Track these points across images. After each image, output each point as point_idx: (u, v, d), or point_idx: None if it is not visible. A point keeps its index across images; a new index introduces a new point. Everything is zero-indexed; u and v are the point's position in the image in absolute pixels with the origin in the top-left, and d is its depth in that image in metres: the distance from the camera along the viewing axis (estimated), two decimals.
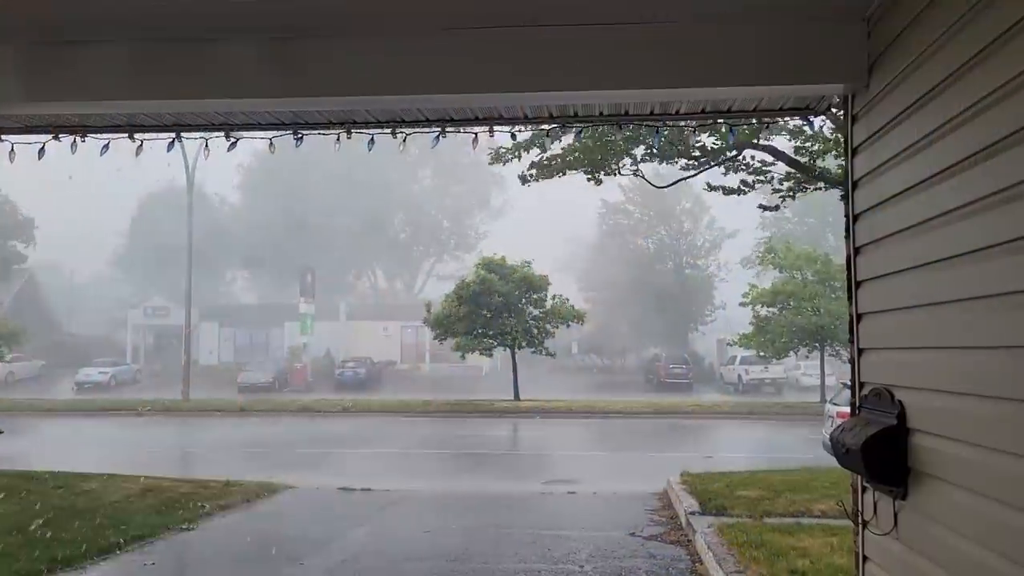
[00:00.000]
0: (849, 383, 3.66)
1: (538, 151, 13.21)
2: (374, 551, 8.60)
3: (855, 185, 3.47)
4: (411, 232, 63.50)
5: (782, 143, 11.63)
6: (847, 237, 3.55)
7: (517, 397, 32.55)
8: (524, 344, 33.60)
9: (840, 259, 31.78)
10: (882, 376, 3.16)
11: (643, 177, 13.41)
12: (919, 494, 2.83)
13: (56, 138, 4.34)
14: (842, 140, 4.18)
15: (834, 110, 4.12)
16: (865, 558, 3.34)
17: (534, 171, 13.65)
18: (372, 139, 4.38)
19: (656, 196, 55.78)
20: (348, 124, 4.28)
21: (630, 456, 18.80)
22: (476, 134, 4.40)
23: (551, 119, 4.25)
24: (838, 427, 3.31)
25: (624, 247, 57.59)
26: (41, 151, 4.37)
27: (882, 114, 3.17)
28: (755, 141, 10.94)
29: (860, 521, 3.35)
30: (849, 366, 3.63)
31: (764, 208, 12.95)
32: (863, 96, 3.39)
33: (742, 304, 32.34)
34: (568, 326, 35.28)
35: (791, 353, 32.42)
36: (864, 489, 3.31)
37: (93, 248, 59.11)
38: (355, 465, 16.58)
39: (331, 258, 61.40)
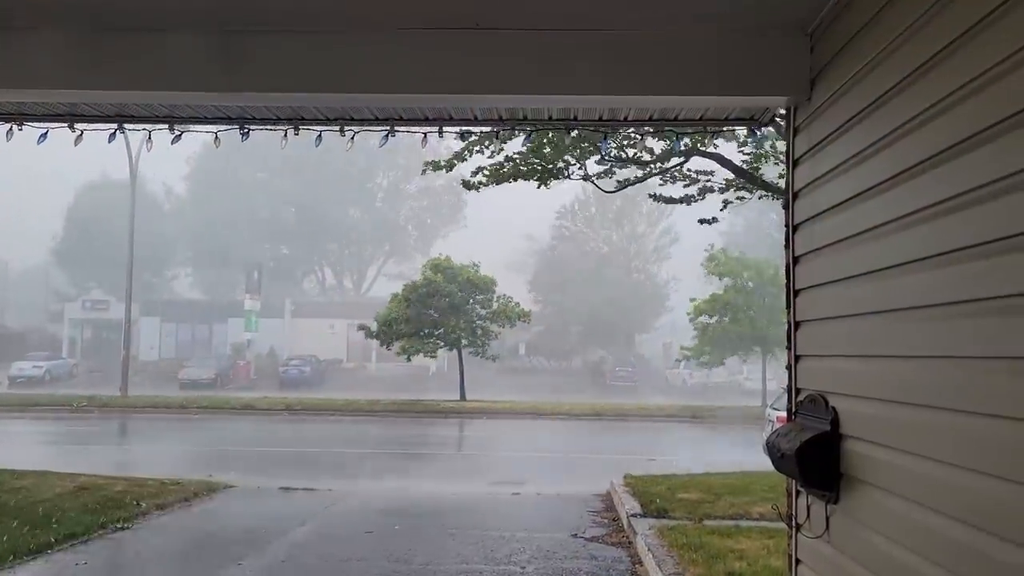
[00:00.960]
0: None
1: (485, 155, 13.17)
2: (315, 551, 8.51)
3: (795, 196, 3.55)
4: (362, 230, 62.95)
5: (729, 150, 11.85)
6: (787, 246, 3.63)
7: (463, 397, 32.52)
8: (469, 345, 33.59)
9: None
10: (817, 383, 3.24)
11: (593, 182, 13.50)
12: (850, 499, 2.92)
13: None
14: (783, 150, 4.28)
15: (778, 120, 4.21)
16: (798, 561, 3.42)
17: (482, 177, 13.59)
18: (320, 136, 4.34)
19: (611, 199, 56.37)
20: (296, 121, 4.24)
21: (575, 458, 18.92)
22: (425, 134, 4.39)
23: (500, 121, 4.26)
24: (774, 432, 3.38)
25: (576, 250, 58.01)
26: None
27: (823, 126, 3.26)
28: (702, 147, 11.12)
29: (794, 524, 3.43)
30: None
31: (703, 221, 13.18)
32: (805, 108, 3.48)
33: (689, 316, 32.92)
34: (514, 325, 35.33)
35: (727, 360, 33.22)
36: (798, 493, 3.39)
37: (29, 239, 57.37)
38: (297, 464, 16.39)
39: (279, 254, 60.65)
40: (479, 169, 13.40)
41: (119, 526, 9.31)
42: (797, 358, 3.52)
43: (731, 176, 12.38)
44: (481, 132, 12.55)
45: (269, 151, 55.31)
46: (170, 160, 54.86)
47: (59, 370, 42.63)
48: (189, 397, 33.15)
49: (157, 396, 32.51)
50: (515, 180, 13.01)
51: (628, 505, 10.07)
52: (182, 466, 13.79)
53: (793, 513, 3.45)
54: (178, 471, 12.91)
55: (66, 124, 4.24)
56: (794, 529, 3.45)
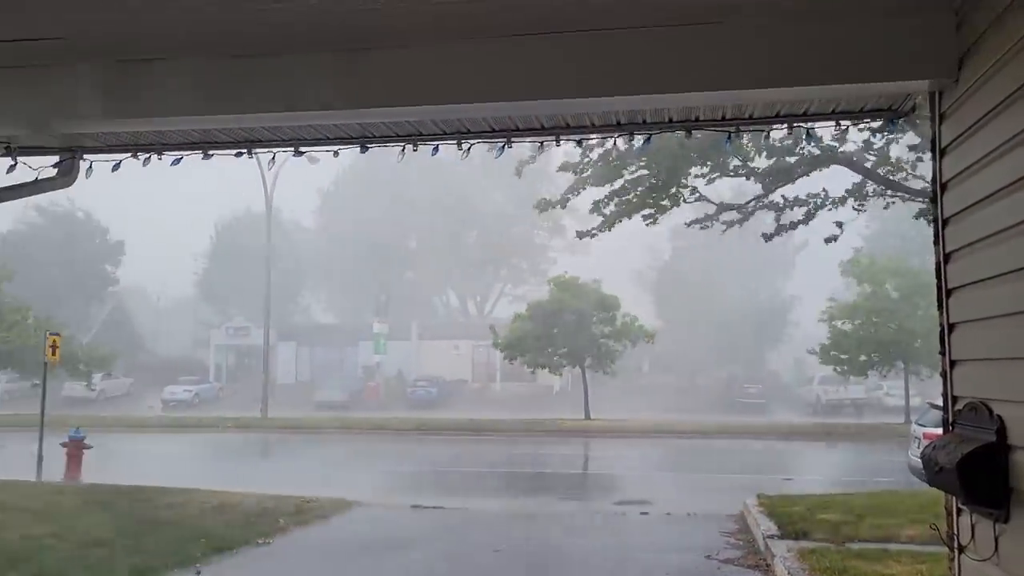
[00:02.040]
0: (939, 402, 3.44)
1: (603, 191, 13.02)
2: (446, 569, 8.55)
3: (944, 188, 3.27)
4: (484, 253, 63.80)
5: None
6: (936, 243, 3.35)
7: (588, 416, 32.28)
8: (595, 363, 33.41)
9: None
10: (978, 389, 2.95)
11: (709, 200, 13.13)
12: (1023, 517, 2.62)
13: (135, 156, 4.46)
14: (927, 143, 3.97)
15: (916, 114, 3.92)
16: None
17: (596, 220, 13.43)
18: (436, 148, 4.37)
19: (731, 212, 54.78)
20: (414, 136, 4.28)
21: (704, 477, 18.37)
22: (542, 143, 4.34)
23: (618, 126, 4.16)
24: (930, 445, 3.10)
25: (698, 263, 56.66)
26: (116, 166, 4.49)
27: (973, 111, 2.99)
28: (836, 151, 10.61)
29: (956, 546, 3.12)
30: (940, 383, 3.42)
31: (829, 240, 12.51)
32: (951, 92, 3.21)
33: (821, 321, 31.32)
34: (634, 345, 34.92)
35: (871, 372, 31.17)
36: (960, 511, 3.09)
37: (176, 271, 61.29)
38: (427, 483, 16.63)
39: (405, 279, 62.30)
40: (596, 204, 13.24)
41: (260, 541, 9.65)
42: (952, 363, 3.22)
43: (856, 182, 11.75)
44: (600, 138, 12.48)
45: (392, 184, 57.16)
46: (302, 195, 57.63)
47: (207, 393, 45.12)
48: (324, 418, 34.38)
49: (294, 417, 33.87)
50: (628, 218, 12.83)
51: (764, 526, 9.62)
52: (318, 484, 14.22)
53: (955, 533, 3.15)
54: (315, 489, 13.32)
55: (200, 151, 4.44)
56: (956, 551, 3.15)
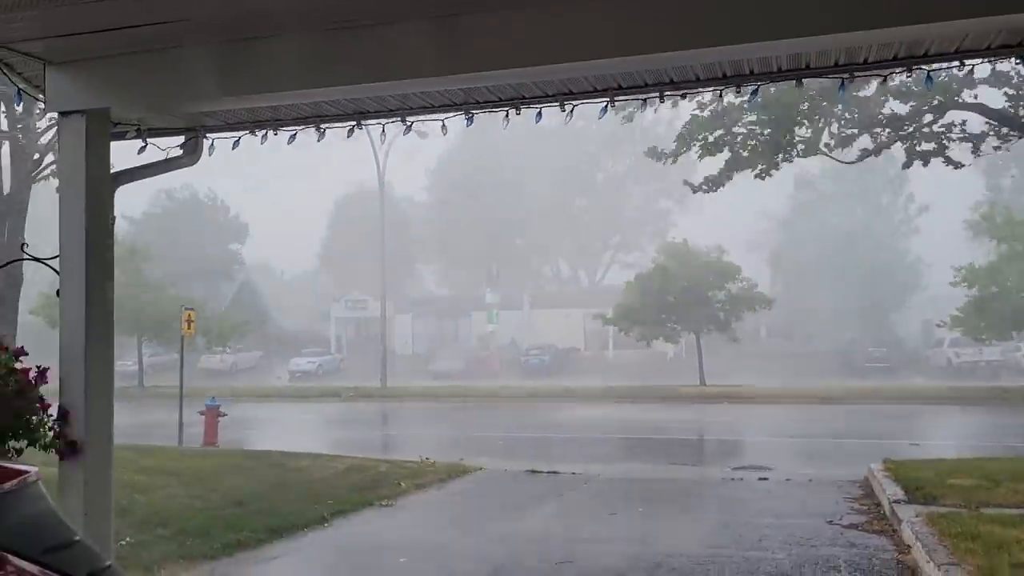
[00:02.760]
0: None
1: (711, 138, 12.64)
2: (560, 531, 8.68)
3: None
4: (594, 220, 63.45)
5: (989, 97, 10.47)
6: None
7: (703, 383, 31.86)
8: (711, 329, 32.87)
9: None
10: None
11: (828, 154, 12.55)
12: None
13: (252, 133, 4.68)
14: None
15: None
16: None
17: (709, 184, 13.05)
18: (540, 113, 4.37)
19: (849, 170, 52.49)
20: (517, 100, 4.30)
21: (826, 443, 17.85)
22: (645, 100, 4.28)
23: (724, 79, 4.04)
24: None
25: (817, 225, 54.52)
26: (236, 143, 4.72)
27: None
28: (957, 99, 9.93)
29: None
30: None
31: (950, 163, 11.65)
32: None
33: (953, 284, 29.57)
34: (755, 311, 34.19)
35: (1012, 333, 29.29)
36: None
37: (297, 247, 63.80)
38: (542, 448, 16.83)
39: (516, 249, 62.77)
40: (702, 151, 12.87)
41: (384, 504, 10.04)
42: None
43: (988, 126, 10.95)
44: (705, 111, 12.17)
45: (500, 154, 57.45)
46: (414, 170, 58.83)
47: (329, 365, 46.99)
48: (440, 387, 35.26)
49: (412, 386, 34.89)
50: (731, 177, 12.41)
51: (890, 491, 9.28)
52: (436, 450, 14.63)
53: None
54: (433, 454, 13.71)
55: (313, 126, 4.61)
56: None
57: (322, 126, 4.61)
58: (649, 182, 63.78)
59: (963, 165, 11.83)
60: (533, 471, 12.61)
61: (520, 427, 21.99)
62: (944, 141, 11.22)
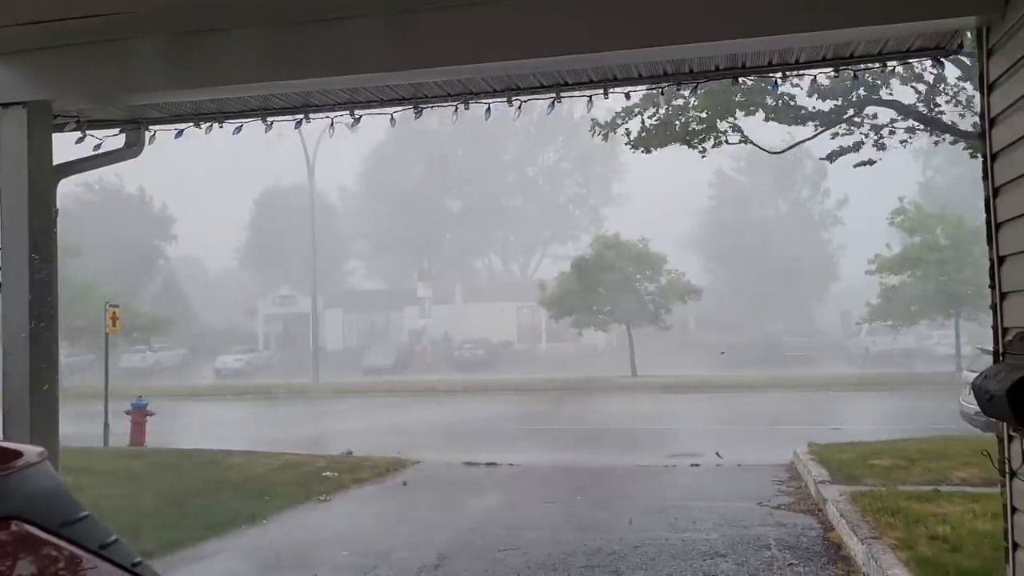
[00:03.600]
0: (989, 346, 3.49)
1: (646, 116, 12.88)
2: (501, 522, 8.80)
3: (992, 122, 3.30)
4: (525, 215, 63.83)
5: (905, 95, 11.01)
6: (985, 178, 3.38)
7: (634, 373, 32.45)
8: (641, 321, 33.49)
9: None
10: None
11: (753, 143, 12.94)
12: None
13: (196, 125, 4.64)
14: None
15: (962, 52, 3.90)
16: (1014, 509, 3.20)
17: (642, 136, 13.25)
18: (489, 109, 4.47)
19: (772, 164, 53.98)
20: (465, 95, 4.39)
21: (753, 429, 18.43)
22: (591, 97, 4.42)
23: (666, 77, 4.21)
24: (980, 374, 3.18)
25: (742, 218, 56.05)
26: (179, 134, 4.68)
27: (1021, 44, 3.00)
28: (876, 97, 10.41)
29: (1008, 471, 3.21)
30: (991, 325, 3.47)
31: (860, 164, 12.22)
32: (999, 27, 3.22)
33: (868, 273, 30.84)
34: (685, 302, 34.96)
35: (922, 322, 30.70)
36: (1011, 438, 3.17)
37: (222, 244, 62.39)
38: (478, 441, 16.92)
39: (447, 243, 62.66)
40: (640, 131, 13.06)
41: (321, 499, 10.00)
42: (1003, 295, 3.27)
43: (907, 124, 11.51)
44: (642, 94, 12.40)
45: (432, 148, 57.23)
46: (343, 163, 58.06)
47: (257, 362, 46.15)
48: (373, 382, 35.04)
49: (344, 382, 34.56)
50: (671, 143, 12.64)
51: (815, 472, 9.71)
52: (372, 445, 14.59)
53: (1006, 459, 3.23)
54: (370, 449, 13.67)
55: (259, 118, 4.60)
56: (1008, 476, 3.23)
57: (269, 119, 4.61)
58: (581, 176, 64.54)
59: (874, 162, 12.35)
60: (470, 463, 12.70)
61: (456, 421, 22.06)
62: (863, 138, 11.73)
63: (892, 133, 12.00)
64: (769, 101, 11.14)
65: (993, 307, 3.35)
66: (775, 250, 51.44)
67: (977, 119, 10.94)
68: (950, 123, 10.88)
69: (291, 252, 49.78)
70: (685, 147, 12.58)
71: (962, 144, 11.05)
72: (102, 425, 16.50)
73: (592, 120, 14.16)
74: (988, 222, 3.38)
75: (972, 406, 14.49)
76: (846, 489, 8.56)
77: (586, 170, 64.14)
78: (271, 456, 13.03)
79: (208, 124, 4.64)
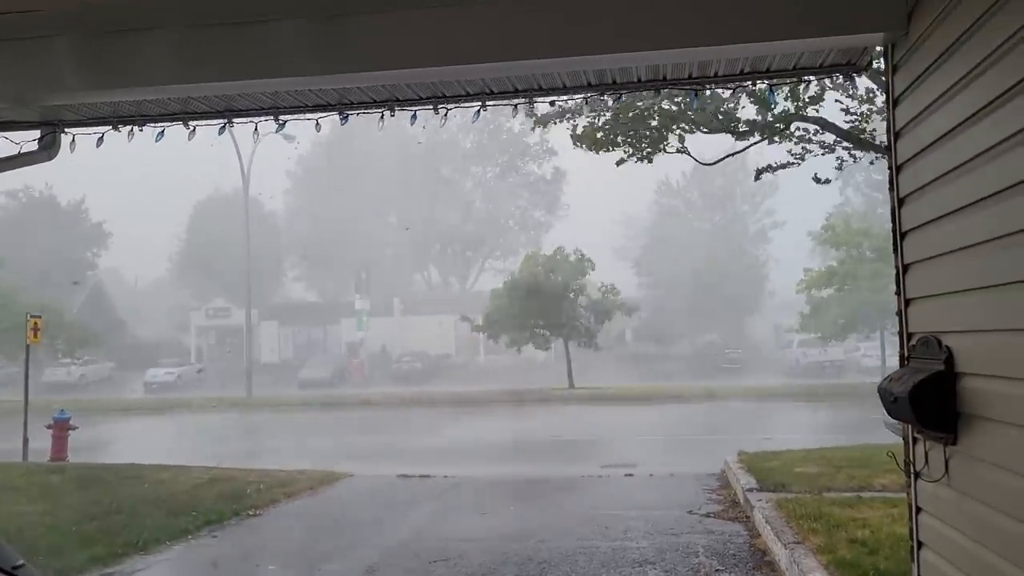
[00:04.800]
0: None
1: (583, 120, 13.01)
2: (434, 533, 8.75)
3: (897, 135, 3.43)
4: (464, 227, 63.79)
5: (831, 113, 11.35)
6: (891, 189, 3.52)
7: (572, 385, 32.64)
8: (575, 337, 33.71)
9: None
10: (929, 324, 3.13)
11: (688, 154, 13.17)
12: (969, 437, 2.81)
13: (115, 128, 4.53)
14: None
15: (876, 66, 4.06)
16: (919, 509, 3.32)
17: (582, 140, 13.33)
18: (415, 115, 4.46)
19: (711, 179, 55.12)
20: (391, 101, 4.38)
21: (686, 440, 18.72)
22: (516, 106, 4.46)
23: (589, 87, 4.28)
24: (886, 378, 3.29)
25: (680, 232, 57.00)
26: (100, 140, 4.56)
27: (922, 60, 3.14)
28: (802, 113, 10.72)
29: (912, 472, 3.32)
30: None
31: (818, 181, 12.58)
32: (903, 44, 3.35)
33: (798, 289, 31.63)
34: (610, 320, 35.25)
35: (851, 335, 31.59)
36: (915, 440, 3.28)
37: (153, 255, 60.80)
38: (413, 454, 16.81)
39: (385, 256, 62.19)
40: (581, 134, 13.13)
41: (251, 513, 9.80)
42: (908, 302, 3.40)
43: (834, 139, 11.86)
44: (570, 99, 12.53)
45: (369, 160, 56.86)
46: (278, 175, 57.22)
47: (189, 375, 45.01)
48: (309, 396, 34.50)
49: (279, 396, 33.97)
50: (609, 149, 12.76)
51: (743, 481, 9.90)
52: (307, 459, 14.38)
53: (911, 460, 3.34)
54: (303, 463, 13.47)
55: (180, 122, 4.51)
56: (913, 477, 3.35)
57: (190, 123, 4.52)
58: (520, 191, 64.84)
59: (829, 181, 12.66)
60: (404, 476, 12.61)
61: (392, 434, 21.88)
62: (798, 153, 12.05)
63: (830, 150, 12.27)
64: (719, 116, 11.40)
65: (899, 313, 3.48)
66: (711, 263, 52.39)
67: None
68: (874, 140, 11.26)
69: (226, 263, 48.68)
70: (629, 150, 12.69)
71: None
72: (21, 440, 15.87)
73: (534, 116, 14.17)
74: (894, 232, 3.51)
75: None
76: (772, 496, 8.74)
77: (526, 184, 64.49)
78: (200, 471, 12.72)
79: (128, 128, 4.53)
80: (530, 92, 4.31)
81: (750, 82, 4.21)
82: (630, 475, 12.44)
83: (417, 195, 59.86)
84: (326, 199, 60.01)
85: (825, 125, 11.44)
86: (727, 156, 12.78)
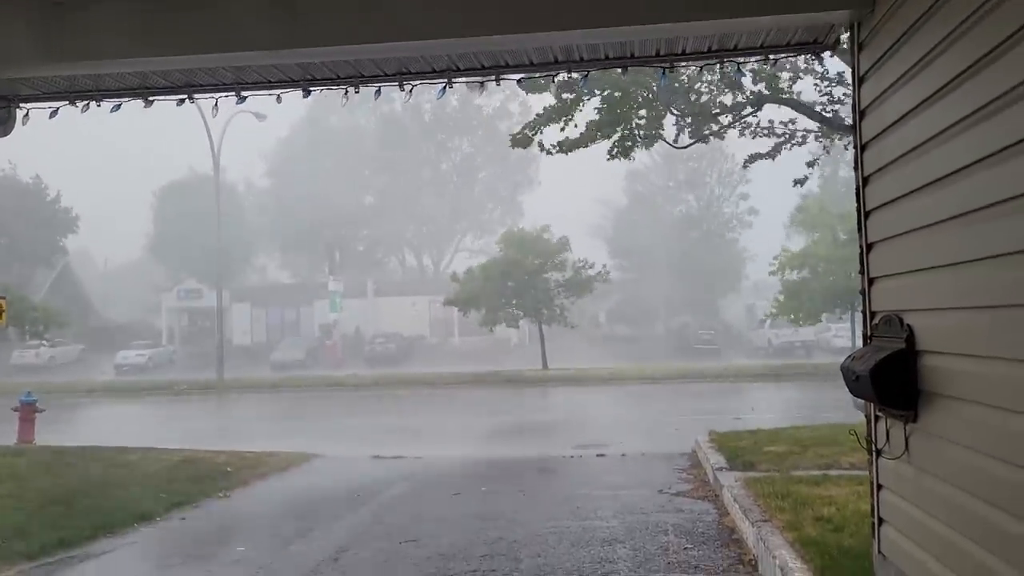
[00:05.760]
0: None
1: (559, 126, 13.05)
2: (407, 512, 8.73)
3: (862, 114, 3.43)
4: (439, 208, 63.46)
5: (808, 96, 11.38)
6: (856, 168, 3.52)
7: (545, 366, 32.70)
8: (549, 316, 33.73)
9: None
10: (891, 303, 3.14)
11: (664, 139, 13.18)
12: (929, 415, 2.83)
13: (72, 103, 4.42)
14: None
15: (843, 45, 4.05)
16: (879, 486, 3.34)
17: (559, 146, 13.38)
18: (378, 91, 4.39)
19: (684, 161, 55.18)
20: (355, 78, 4.30)
21: (659, 420, 18.82)
22: (482, 82, 4.40)
23: (556, 64, 4.23)
24: (848, 356, 3.31)
25: (654, 214, 57.09)
26: (54, 113, 4.44)
27: (886, 38, 3.13)
28: (782, 95, 10.71)
29: (873, 450, 3.35)
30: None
31: (797, 182, 12.65)
32: (868, 22, 3.35)
33: (771, 273, 31.77)
34: (591, 292, 35.20)
35: (823, 317, 31.81)
36: (877, 418, 3.31)
37: (124, 236, 59.96)
38: (386, 435, 16.77)
39: (359, 237, 61.78)
40: (558, 144, 13.16)
41: (220, 495, 9.73)
42: (871, 281, 3.41)
43: (812, 126, 11.91)
44: (551, 104, 12.51)
45: (345, 139, 56.30)
46: (251, 155, 56.46)
47: (160, 357, 44.57)
48: (282, 377, 34.29)
49: (252, 378, 33.73)
50: (588, 145, 12.82)
51: (713, 460, 9.97)
52: (279, 440, 14.29)
53: (872, 438, 3.37)
54: (275, 445, 13.38)
55: (140, 98, 4.40)
56: (874, 455, 3.38)
57: (149, 98, 4.41)
58: (494, 171, 64.61)
59: (807, 179, 12.70)
60: (377, 456, 12.58)
61: (365, 415, 21.81)
62: (763, 134, 12.07)
63: (799, 139, 12.32)
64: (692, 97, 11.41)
65: (863, 292, 3.49)
66: (685, 246, 52.61)
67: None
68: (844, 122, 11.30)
69: (198, 245, 48.03)
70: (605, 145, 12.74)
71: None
72: None
73: (511, 136, 14.19)
74: (858, 211, 3.51)
75: None
76: (741, 475, 8.82)
77: (501, 164, 64.24)
78: (170, 453, 12.60)
79: (84, 103, 4.41)
80: (497, 69, 4.26)
81: (717, 61, 4.19)
82: (602, 455, 12.49)
83: (394, 175, 59.40)
84: (301, 180, 59.38)
85: (799, 107, 11.46)
86: (698, 140, 12.77)
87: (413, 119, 62.44)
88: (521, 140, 13.47)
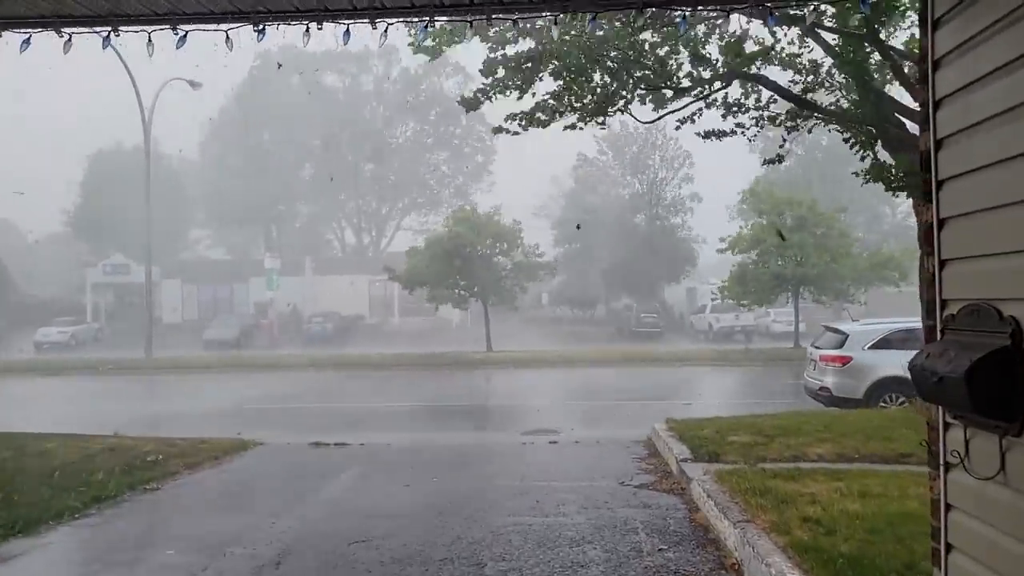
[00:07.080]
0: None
1: (512, 97, 12.42)
2: (353, 508, 8.08)
3: (936, 65, 2.90)
4: (381, 185, 62.20)
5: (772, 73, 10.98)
6: (924, 129, 2.99)
7: (490, 349, 32.22)
8: (497, 298, 33.30)
9: (826, 204, 30.87)
10: (980, 290, 2.63)
11: (631, 114, 12.63)
12: None
13: None
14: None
15: None
16: (949, 506, 2.85)
17: (515, 125, 12.74)
18: (348, 31, 3.69)
19: (629, 145, 55.10)
20: (319, 12, 3.59)
21: (608, 404, 18.53)
22: (472, 22, 3.73)
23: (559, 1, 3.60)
24: (921, 353, 2.78)
25: (599, 196, 56.98)
26: None
27: None
28: (745, 70, 10.29)
29: (943, 464, 2.85)
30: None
31: (768, 162, 12.23)
32: None
33: (720, 251, 31.77)
34: (540, 280, 35.09)
35: (771, 301, 32.02)
36: (948, 426, 2.81)
37: (47, 208, 57.19)
38: (326, 420, 16.06)
39: (297, 212, 60.26)
40: (516, 115, 12.52)
41: (148, 487, 8.94)
42: (943, 263, 2.90)
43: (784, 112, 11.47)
44: (503, 72, 11.87)
45: (285, 107, 54.48)
46: (184, 126, 54.23)
47: (84, 335, 42.71)
48: (214, 357, 33.07)
49: (182, 357, 32.45)
50: (547, 125, 12.26)
51: (676, 450, 9.55)
52: (211, 425, 13.47)
53: (941, 450, 2.87)
54: (207, 430, 12.57)
55: (53, 29, 3.62)
56: (943, 470, 2.88)
57: (65, 30, 3.64)
58: (440, 150, 63.64)
59: (782, 159, 12.28)
60: (318, 443, 11.87)
61: (303, 398, 21.00)
62: (736, 112, 11.64)
63: (773, 118, 11.86)
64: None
65: (931, 277, 2.98)
66: (629, 229, 52.56)
67: (844, 103, 11.06)
68: (816, 102, 10.94)
69: (127, 218, 45.88)
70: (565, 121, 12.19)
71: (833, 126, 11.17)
72: None
73: (459, 101, 13.54)
74: (927, 181, 2.99)
75: (817, 381, 15.06)
76: (709, 467, 8.41)
77: (448, 142, 63.28)
78: (92, 439, 11.67)
79: None
80: (489, 6, 3.60)
81: (747, 4, 3.62)
82: (554, 442, 12.03)
83: (335, 148, 57.85)
84: (237, 153, 57.45)
85: (767, 83, 11.05)
86: (666, 114, 12.28)
87: (353, 93, 60.94)
88: (471, 102, 12.78)
